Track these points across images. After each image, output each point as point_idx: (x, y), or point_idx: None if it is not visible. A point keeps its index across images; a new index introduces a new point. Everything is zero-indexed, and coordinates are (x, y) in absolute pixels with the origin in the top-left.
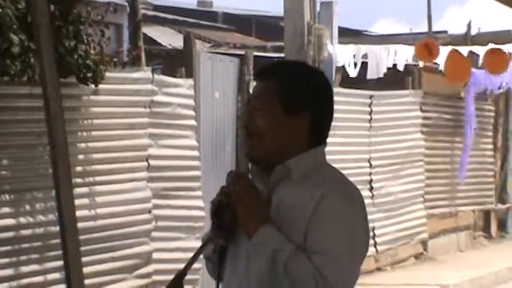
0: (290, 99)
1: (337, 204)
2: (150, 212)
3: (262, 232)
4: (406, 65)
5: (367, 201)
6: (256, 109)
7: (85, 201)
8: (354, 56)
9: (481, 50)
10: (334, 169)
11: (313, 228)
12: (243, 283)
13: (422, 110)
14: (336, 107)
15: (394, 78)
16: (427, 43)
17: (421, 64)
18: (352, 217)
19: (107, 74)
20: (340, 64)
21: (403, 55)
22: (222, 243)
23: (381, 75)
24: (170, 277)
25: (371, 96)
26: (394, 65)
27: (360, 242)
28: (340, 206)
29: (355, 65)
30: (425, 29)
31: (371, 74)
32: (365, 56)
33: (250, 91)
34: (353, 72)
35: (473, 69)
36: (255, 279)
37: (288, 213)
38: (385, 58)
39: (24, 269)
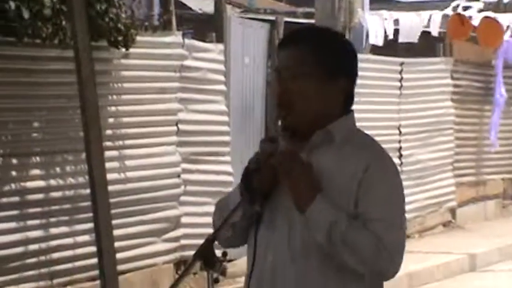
0: (327, 66)
1: (383, 173)
2: (179, 176)
3: (315, 206)
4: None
5: None
6: (291, 77)
7: (115, 164)
8: (386, 19)
9: None
10: (366, 135)
11: (364, 197)
12: (284, 253)
13: (453, 78)
14: (366, 73)
15: (425, 46)
16: (459, 16)
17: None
18: (397, 183)
19: (138, 38)
20: (370, 39)
21: (436, 21)
22: (257, 210)
23: (415, 40)
24: (198, 241)
25: (401, 63)
26: (427, 32)
27: (404, 206)
28: (386, 174)
29: (385, 31)
30: None
31: (403, 38)
32: (396, 22)
33: None
34: (379, 41)
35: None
36: (301, 249)
37: (332, 179)
38: (417, 23)
39: (54, 230)
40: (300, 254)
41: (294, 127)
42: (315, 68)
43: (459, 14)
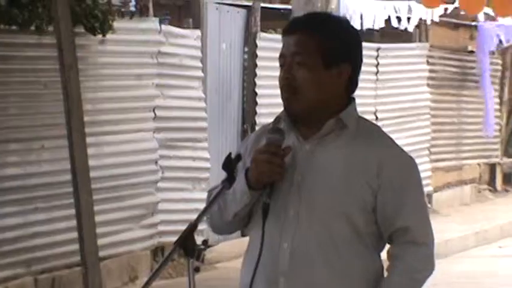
0: (331, 52)
1: (405, 172)
2: (156, 162)
3: None
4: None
5: None
6: (296, 63)
7: (92, 151)
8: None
9: None
10: (372, 124)
11: (393, 200)
12: (306, 238)
13: (428, 63)
14: None
15: (401, 31)
16: None
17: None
18: (419, 178)
19: (115, 24)
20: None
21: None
22: (266, 201)
23: (380, 26)
24: (176, 228)
25: (378, 49)
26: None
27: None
28: (409, 174)
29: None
30: None
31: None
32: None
33: (257, 42)
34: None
35: (482, 23)
36: (325, 233)
37: (349, 168)
38: (380, 12)
39: (31, 217)
40: (324, 238)
41: (296, 113)
42: (318, 55)
43: None
